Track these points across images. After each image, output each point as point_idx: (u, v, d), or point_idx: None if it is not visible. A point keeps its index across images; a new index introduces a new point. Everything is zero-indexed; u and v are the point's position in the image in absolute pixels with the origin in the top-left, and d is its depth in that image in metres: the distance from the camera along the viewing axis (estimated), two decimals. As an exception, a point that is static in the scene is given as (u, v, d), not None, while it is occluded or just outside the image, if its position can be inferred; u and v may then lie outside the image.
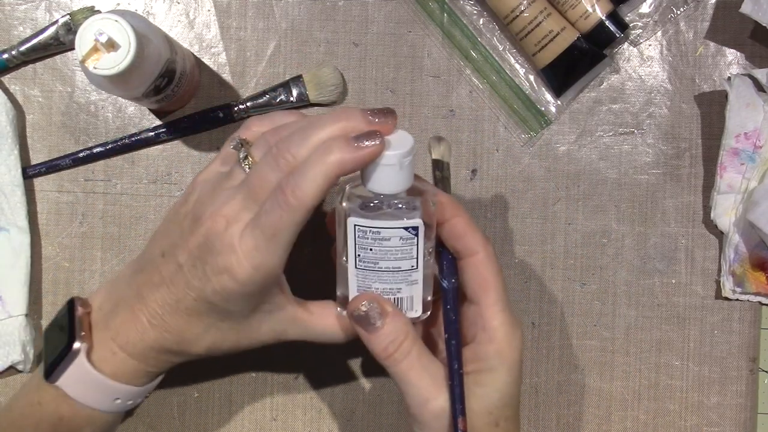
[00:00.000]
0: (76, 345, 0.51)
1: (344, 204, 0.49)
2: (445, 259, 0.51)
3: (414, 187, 0.49)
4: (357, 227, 0.48)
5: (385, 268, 0.49)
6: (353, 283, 0.50)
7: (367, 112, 0.47)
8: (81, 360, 0.51)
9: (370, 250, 0.49)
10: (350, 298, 0.51)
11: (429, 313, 0.52)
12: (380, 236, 0.48)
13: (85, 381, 0.52)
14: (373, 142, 0.46)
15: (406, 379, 0.50)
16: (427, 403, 0.49)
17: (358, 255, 0.49)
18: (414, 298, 0.51)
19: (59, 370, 0.52)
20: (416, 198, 0.49)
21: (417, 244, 0.49)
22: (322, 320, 0.53)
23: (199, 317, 0.51)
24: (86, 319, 0.53)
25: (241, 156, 0.50)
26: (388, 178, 0.47)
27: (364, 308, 0.49)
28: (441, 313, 0.52)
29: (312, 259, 0.65)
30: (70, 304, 0.54)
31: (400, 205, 0.48)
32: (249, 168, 0.50)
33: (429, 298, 0.52)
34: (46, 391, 0.53)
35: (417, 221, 0.48)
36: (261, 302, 0.51)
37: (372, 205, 0.48)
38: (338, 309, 0.53)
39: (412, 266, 0.50)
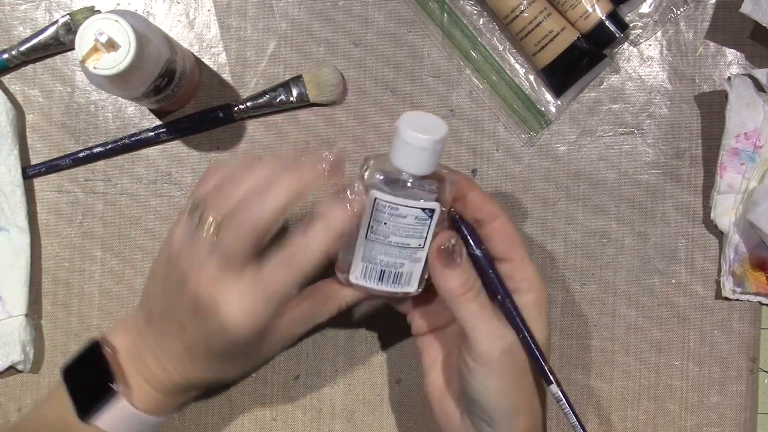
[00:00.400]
0: (116, 386, 0.54)
1: (367, 176, 0.51)
2: (468, 231, 0.54)
3: (436, 172, 0.51)
4: (377, 201, 0.51)
5: (395, 243, 0.52)
6: (359, 252, 0.53)
7: (323, 170, 0.50)
8: (121, 400, 0.54)
9: (384, 224, 0.51)
10: (353, 266, 0.53)
11: (421, 289, 0.54)
12: (398, 213, 0.51)
13: (125, 419, 0.55)
14: (356, 192, 0.50)
15: (481, 316, 0.51)
16: (498, 339, 0.51)
17: (372, 227, 0.51)
18: (413, 275, 0.53)
19: (97, 410, 0.54)
20: (435, 182, 0.51)
21: (429, 226, 0.51)
22: (322, 306, 0.56)
23: (214, 362, 0.55)
24: (117, 361, 0.55)
25: (196, 220, 0.52)
26: (419, 159, 0.50)
27: (453, 241, 0.52)
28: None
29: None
30: (94, 346, 0.56)
31: (421, 186, 0.51)
32: (207, 229, 0.51)
33: (425, 276, 0.54)
34: (76, 428, 0.55)
35: (435, 204, 0.51)
36: (267, 333, 0.53)
37: (395, 181, 0.50)
38: (338, 274, 0.55)
39: (420, 245, 0.52)
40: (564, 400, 0.54)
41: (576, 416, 0.54)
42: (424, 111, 0.52)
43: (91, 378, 0.55)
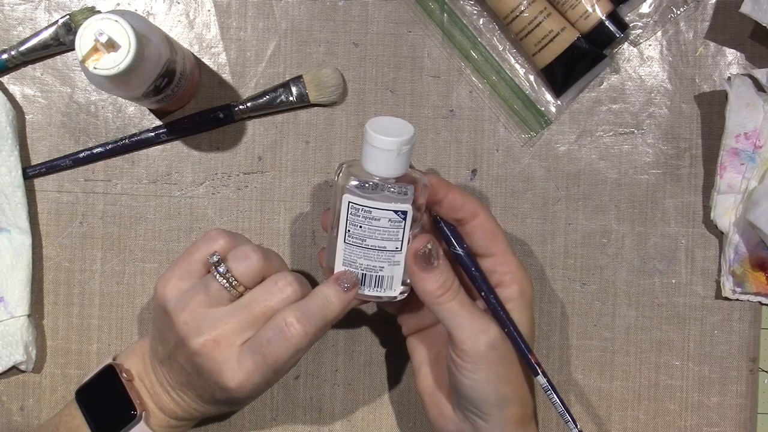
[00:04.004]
0: (139, 412, 0.56)
1: (342, 181, 0.52)
2: (449, 231, 0.55)
3: (408, 175, 0.52)
4: (351, 204, 0.52)
5: (372, 246, 0.53)
6: (339, 257, 0.54)
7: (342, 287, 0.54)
8: (142, 425, 0.56)
9: (360, 227, 0.52)
10: (335, 271, 0.54)
11: (405, 295, 0.55)
12: (371, 215, 0.52)
13: None
14: (352, 284, 0.53)
15: (462, 313, 0.53)
16: (481, 334, 0.52)
17: (348, 230, 0.53)
18: (394, 279, 0.54)
19: None
20: (409, 185, 0.52)
21: (404, 228, 0.52)
22: None
23: (222, 405, 0.57)
24: (133, 387, 0.57)
25: (221, 270, 0.54)
26: (386, 162, 0.51)
27: (430, 246, 0.53)
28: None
29: (313, 258, 0.65)
30: (108, 369, 0.57)
31: (393, 189, 0.52)
32: (228, 282, 0.54)
33: (408, 281, 0.54)
34: None
35: (407, 206, 0.52)
36: None
37: (367, 185, 0.51)
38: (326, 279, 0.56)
39: (397, 248, 0.53)
40: (551, 390, 0.55)
41: (564, 405, 0.55)
42: (392, 115, 0.55)
43: (109, 403, 0.56)
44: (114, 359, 0.58)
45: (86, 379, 0.58)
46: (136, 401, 0.56)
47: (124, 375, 0.57)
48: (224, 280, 0.54)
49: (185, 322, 0.53)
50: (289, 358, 0.53)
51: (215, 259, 0.54)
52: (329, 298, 0.53)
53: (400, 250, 0.53)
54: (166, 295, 0.54)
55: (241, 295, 0.54)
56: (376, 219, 0.52)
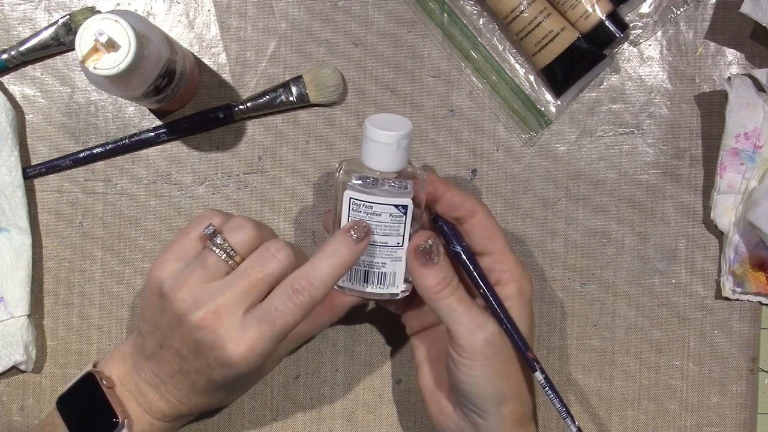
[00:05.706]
0: (120, 420, 0.55)
1: (342, 178, 0.53)
2: (448, 229, 0.55)
3: (407, 170, 0.53)
4: (352, 200, 0.53)
5: (374, 241, 0.53)
6: None
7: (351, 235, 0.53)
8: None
9: None
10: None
11: (408, 293, 0.55)
12: (372, 210, 0.52)
13: None
14: (365, 233, 0.52)
15: (460, 309, 0.53)
16: (479, 330, 0.53)
17: None
18: (396, 275, 0.54)
19: None
20: (409, 181, 0.53)
21: (405, 223, 0.53)
22: (316, 322, 0.58)
23: (217, 392, 0.56)
24: (114, 394, 0.56)
25: (218, 241, 0.53)
26: (386, 156, 0.52)
27: (430, 241, 0.53)
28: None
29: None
30: (90, 378, 0.56)
31: (393, 184, 0.52)
32: (225, 253, 0.53)
33: (410, 279, 0.55)
34: None
35: (407, 200, 0.53)
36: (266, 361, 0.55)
37: (368, 181, 0.52)
38: None
39: (398, 243, 0.54)
40: (548, 387, 0.55)
41: (562, 402, 0.56)
42: (390, 112, 0.56)
43: (90, 411, 0.56)
44: (94, 365, 0.57)
45: (67, 386, 0.57)
46: (118, 409, 0.55)
47: (104, 382, 0.56)
48: (222, 252, 0.53)
49: (183, 299, 0.52)
50: (296, 323, 0.52)
51: (211, 230, 0.54)
52: (338, 252, 0.52)
53: (402, 245, 0.54)
54: (162, 276, 0.54)
55: (238, 266, 0.54)
56: (377, 214, 0.53)
